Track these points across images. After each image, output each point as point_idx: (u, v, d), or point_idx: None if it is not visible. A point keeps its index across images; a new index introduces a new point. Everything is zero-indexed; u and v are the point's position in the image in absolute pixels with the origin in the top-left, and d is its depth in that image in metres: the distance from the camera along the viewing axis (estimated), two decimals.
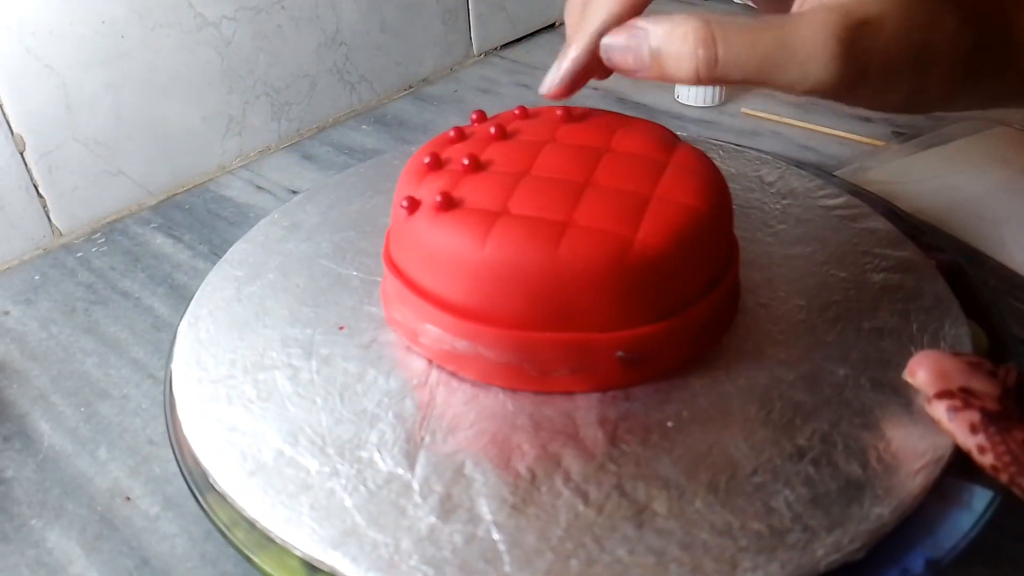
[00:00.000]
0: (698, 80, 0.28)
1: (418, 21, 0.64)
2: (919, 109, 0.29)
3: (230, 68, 0.54)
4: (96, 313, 0.44)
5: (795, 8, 0.29)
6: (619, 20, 0.31)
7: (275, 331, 0.36)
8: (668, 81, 0.29)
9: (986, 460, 0.26)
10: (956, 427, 0.27)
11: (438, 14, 0.65)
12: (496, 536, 0.27)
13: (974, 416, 0.27)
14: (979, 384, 0.28)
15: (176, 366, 0.35)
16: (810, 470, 0.28)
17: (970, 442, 0.27)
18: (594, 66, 0.32)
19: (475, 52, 0.70)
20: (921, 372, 0.29)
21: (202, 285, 0.40)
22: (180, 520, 0.32)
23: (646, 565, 0.26)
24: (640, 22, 0.29)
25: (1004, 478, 0.26)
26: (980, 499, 0.27)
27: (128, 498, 0.33)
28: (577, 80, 0.33)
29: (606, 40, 0.30)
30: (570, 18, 0.33)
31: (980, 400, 0.27)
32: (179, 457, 0.31)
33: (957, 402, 0.27)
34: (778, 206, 0.43)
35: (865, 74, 0.26)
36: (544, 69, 0.33)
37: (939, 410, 0.28)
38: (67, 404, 0.38)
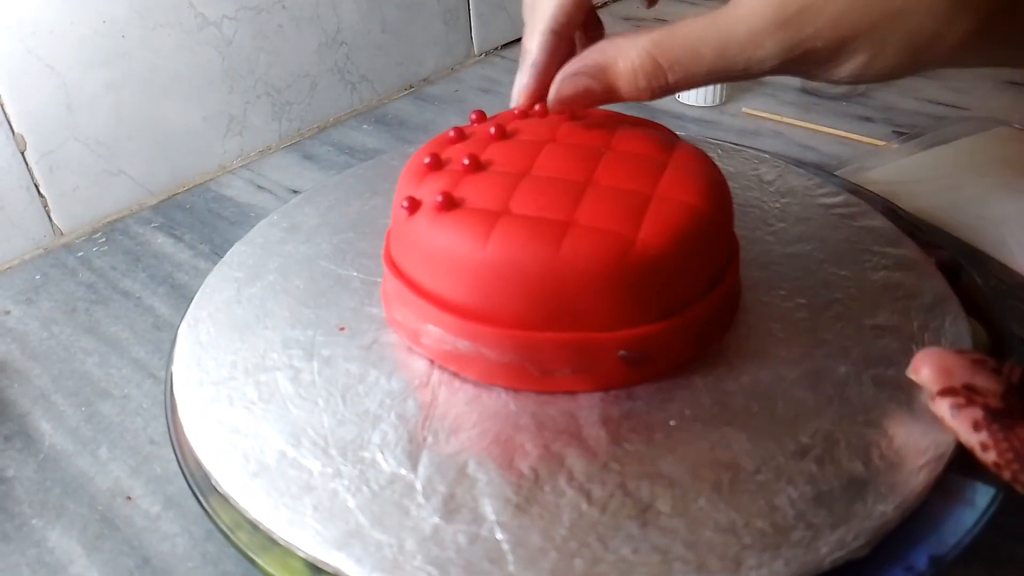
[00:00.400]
0: (652, 99, 0.31)
1: (419, 21, 0.64)
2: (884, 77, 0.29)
3: (231, 68, 0.54)
4: (97, 313, 0.44)
5: None
6: (567, 12, 0.32)
7: (276, 333, 0.36)
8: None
9: (989, 457, 0.26)
10: (959, 424, 0.27)
11: (439, 14, 0.65)
12: (500, 536, 0.27)
13: (977, 413, 0.27)
14: (983, 381, 0.28)
15: (177, 369, 0.35)
16: (813, 468, 0.28)
17: (973, 439, 0.27)
18: (555, 65, 0.33)
19: (476, 52, 0.70)
20: (925, 369, 0.29)
21: (201, 287, 0.40)
22: (181, 520, 0.32)
23: (651, 564, 0.26)
24: (584, 67, 0.31)
25: (1007, 475, 0.26)
26: (983, 496, 0.27)
27: (129, 497, 0.33)
28: (542, 83, 0.33)
29: (557, 93, 0.32)
30: (526, 23, 0.34)
31: (983, 397, 0.27)
32: (181, 460, 0.31)
33: (960, 399, 0.27)
34: (777, 204, 0.43)
35: (812, 51, 0.27)
36: None
37: (942, 407, 0.28)
38: (68, 404, 0.38)
